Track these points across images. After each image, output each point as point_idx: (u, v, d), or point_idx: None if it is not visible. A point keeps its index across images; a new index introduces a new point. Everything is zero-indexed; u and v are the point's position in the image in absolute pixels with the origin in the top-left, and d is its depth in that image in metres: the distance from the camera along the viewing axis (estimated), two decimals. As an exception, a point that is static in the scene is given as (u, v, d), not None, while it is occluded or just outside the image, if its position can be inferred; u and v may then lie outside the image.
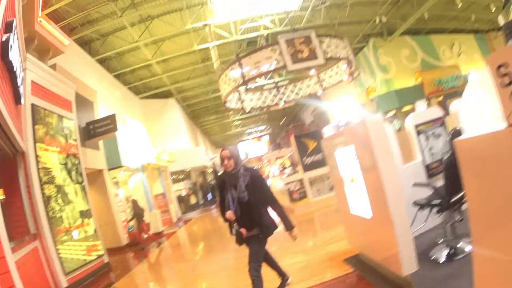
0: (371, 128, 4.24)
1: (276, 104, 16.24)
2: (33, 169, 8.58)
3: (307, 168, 13.37)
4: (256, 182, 4.69)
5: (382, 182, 4.12)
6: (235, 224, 4.67)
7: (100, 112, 15.28)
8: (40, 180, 8.70)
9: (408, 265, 4.17)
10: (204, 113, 37.24)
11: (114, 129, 13.33)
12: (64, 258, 8.75)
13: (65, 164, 10.13)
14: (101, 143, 14.93)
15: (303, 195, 13.00)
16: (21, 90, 7.54)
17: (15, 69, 6.82)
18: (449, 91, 22.64)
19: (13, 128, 7.11)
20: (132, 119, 18.39)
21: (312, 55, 11.30)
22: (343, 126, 5.54)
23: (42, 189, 8.67)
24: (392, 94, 22.26)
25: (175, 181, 29.21)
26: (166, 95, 27.57)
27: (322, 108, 37.86)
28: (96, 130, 13.55)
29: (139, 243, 14.41)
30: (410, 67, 22.99)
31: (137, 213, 14.11)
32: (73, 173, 10.45)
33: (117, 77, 21.70)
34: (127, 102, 22.32)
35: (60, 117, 10.39)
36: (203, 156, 30.65)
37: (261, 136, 52.40)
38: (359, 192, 4.99)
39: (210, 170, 37.18)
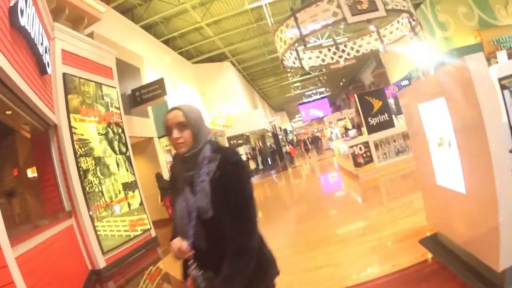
0: (475, 71, 2.92)
1: (336, 62, 15.20)
2: (67, 142, 7.92)
3: (372, 129, 12.00)
4: (226, 180, 1.97)
5: (488, 147, 2.85)
6: (192, 265, 2.03)
7: (147, 78, 14.57)
8: (75, 153, 8.01)
9: (507, 258, 3.04)
10: (262, 75, 36.28)
11: (163, 93, 12.48)
12: (104, 236, 8.10)
13: (106, 134, 9.40)
14: (150, 110, 14.30)
15: (369, 159, 11.68)
16: (45, 59, 6.93)
17: (33, 36, 6.13)
18: (508, 51, 20.58)
19: (39, 101, 6.51)
20: (184, 84, 17.50)
21: (372, 6, 9.96)
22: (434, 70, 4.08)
23: (77, 163, 7.98)
24: (454, 53, 20.74)
25: (233, 146, 28.36)
26: (220, 58, 26.66)
27: (381, 68, 36.34)
28: (143, 97, 12.79)
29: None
30: (468, 25, 21.78)
31: (161, 187, 13.16)
32: (116, 143, 9.72)
33: (166, 42, 20.96)
34: (178, 67, 21.53)
35: (99, 85, 9.63)
36: (262, 119, 29.47)
37: (320, 98, 50.61)
38: (450, 158, 3.70)
39: (269, 134, 36.21)
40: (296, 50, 13.83)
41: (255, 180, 23.57)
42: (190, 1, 16.71)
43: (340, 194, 11.40)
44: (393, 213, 6.76)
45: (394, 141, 12.07)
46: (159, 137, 14.48)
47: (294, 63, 14.05)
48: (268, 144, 35.37)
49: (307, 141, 46.42)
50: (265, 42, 25.72)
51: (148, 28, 18.85)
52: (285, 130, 53.74)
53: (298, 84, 44.66)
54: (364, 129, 12.42)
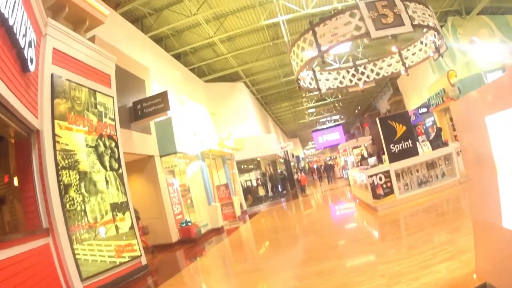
0: None
1: (355, 85, 14.51)
2: (48, 150, 7.05)
3: (394, 157, 10.95)
4: None
5: None
6: None
7: (153, 91, 13.75)
8: (57, 164, 7.11)
9: None
10: (276, 99, 35.60)
11: (166, 108, 11.56)
12: (84, 260, 7.12)
13: (96, 146, 8.45)
14: (152, 126, 13.43)
15: (389, 191, 10.53)
16: (28, 53, 6.14)
17: (11, 24, 5.36)
18: None
19: (16, 102, 5.79)
20: (192, 101, 16.61)
21: (398, 21, 9.24)
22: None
23: (58, 175, 7.09)
24: (477, 78, 20.86)
25: (243, 171, 27.33)
26: (233, 78, 25.91)
27: (398, 95, 35.52)
28: (145, 110, 11.92)
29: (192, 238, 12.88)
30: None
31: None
32: (106, 157, 8.75)
33: (178, 58, 20.22)
34: (188, 84, 20.64)
35: (93, 92, 8.78)
36: (274, 144, 28.43)
37: (335, 126, 49.73)
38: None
39: (281, 160, 35.13)
40: (313, 70, 13.21)
41: (263, 208, 22.46)
42: (202, 12, 15.95)
43: (356, 230, 10.25)
44: (423, 257, 5.52)
45: (417, 171, 11.04)
46: (161, 156, 13.54)
47: (310, 84, 13.32)
48: (279, 170, 34.30)
49: (320, 169, 45.78)
50: (280, 63, 25.00)
51: (158, 40, 18.18)
52: (297, 157, 52.88)
53: (313, 110, 43.81)
54: (385, 157, 11.34)
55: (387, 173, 10.56)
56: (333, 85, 14.31)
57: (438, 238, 6.36)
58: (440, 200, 10.05)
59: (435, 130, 16.42)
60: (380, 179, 10.43)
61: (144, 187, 13.19)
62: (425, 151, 11.78)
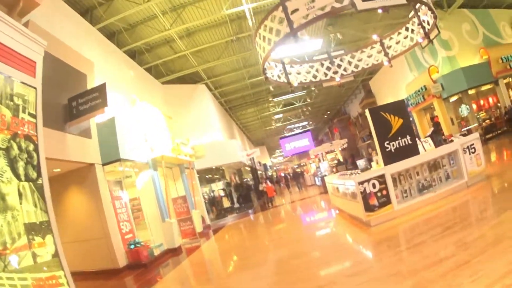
0: None
1: (331, 78, 13.25)
2: None
3: (389, 158, 9.04)
4: None
5: None
6: None
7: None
8: None
9: None
10: (241, 104, 34.11)
11: (103, 104, 9.69)
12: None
13: (7, 149, 6.53)
14: (94, 129, 11.54)
15: (385, 200, 8.68)
16: None
17: None
18: None
19: None
20: (143, 102, 14.66)
21: None
22: None
23: None
24: (459, 73, 20.72)
25: (207, 181, 25.46)
26: (194, 80, 24.21)
27: (371, 97, 34.72)
28: (80, 108, 10.06)
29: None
30: (473, 44, 21.75)
31: None
32: (21, 163, 6.81)
33: (132, 56, 18.52)
34: (143, 84, 18.80)
35: (9, 79, 6.85)
36: (239, 151, 26.72)
37: (303, 132, 48.64)
38: None
39: (247, 168, 33.48)
40: (283, 63, 11.78)
41: (229, 220, 20.72)
42: (156, 0, 14.19)
43: (348, 254, 7.61)
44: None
45: (417, 173, 9.27)
46: (104, 164, 11.68)
47: (279, 77, 11.96)
48: (246, 179, 32.63)
49: (288, 177, 44.60)
50: (245, 63, 23.46)
51: (110, 35, 16.45)
52: (265, 165, 51.41)
53: (280, 115, 42.33)
54: (377, 158, 9.55)
55: (381, 178, 8.69)
56: (306, 79, 12.92)
57: (458, 263, 4.72)
58: (447, 209, 8.33)
59: (432, 126, 15.17)
60: (374, 186, 8.59)
61: (84, 202, 11.34)
62: (426, 149, 9.93)
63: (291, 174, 47.62)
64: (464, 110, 20.83)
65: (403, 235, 7.60)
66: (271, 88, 27.69)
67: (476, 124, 20.69)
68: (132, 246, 11.40)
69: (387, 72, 29.63)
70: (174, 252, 13.10)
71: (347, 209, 10.85)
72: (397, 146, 9.14)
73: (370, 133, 32.43)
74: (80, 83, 11.30)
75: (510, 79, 22.24)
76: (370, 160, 11.94)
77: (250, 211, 22.99)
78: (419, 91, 22.76)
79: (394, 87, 28.65)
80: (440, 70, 21.76)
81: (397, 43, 12.58)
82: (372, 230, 8.47)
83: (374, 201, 8.54)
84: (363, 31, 21.30)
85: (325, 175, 22.48)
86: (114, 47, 16.40)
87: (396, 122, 9.16)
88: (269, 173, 55.92)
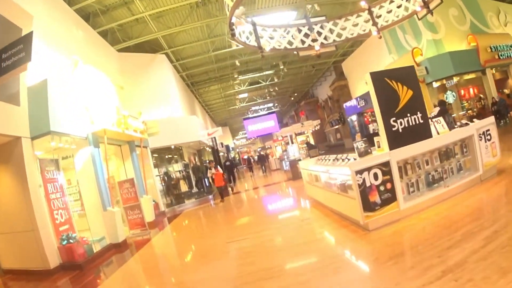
0: None
1: (309, 47, 11.54)
2: None
3: (396, 140, 7.20)
4: None
5: None
6: None
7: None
8: None
9: None
10: (204, 80, 31.97)
11: (26, 58, 7.45)
12: None
13: None
14: (24, 95, 9.50)
15: (389, 196, 6.84)
16: None
17: None
18: (505, 61, 21.19)
19: None
20: (86, 64, 12.38)
21: None
22: None
23: None
24: (446, 57, 19.75)
25: (161, 161, 23.24)
26: (154, 49, 21.87)
27: (342, 80, 33.45)
28: (3, 64, 7.78)
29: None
30: (460, 29, 21.19)
31: None
32: None
33: (86, 18, 16.19)
34: (95, 50, 16.50)
35: None
36: (199, 130, 24.55)
37: (269, 114, 46.97)
38: None
39: (208, 149, 31.47)
40: (253, 24, 10.31)
41: (187, 207, 18.84)
42: None
43: (339, 276, 5.32)
44: None
45: (427, 162, 7.54)
46: (32, 138, 9.58)
47: (248, 39, 10.41)
48: (206, 162, 30.64)
49: (251, 160, 43.28)
50: (210, 33, 21.23)
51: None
52: (227, 147, 49.50)
53: (245, 95, 40.34)
54: (381, 138, 7.48)
55: (386, 167, 6.86)
56: (280, 46, 11.30)
57: None
58: (465, 210, 6.59)
59: (437, 105, 13.55)
60: (376, 176, 6.74)
61: (8, 184, 9.36)
62: (439, 131, 8.06)
63: (255, 157, 46.41)
64: (450, 96, 19.70)
65: (415, 245, 5.58)
66: (237, 63, 25.96)
67: (462, 113, 19.82)
68: (65, 242, 9.38)
69: (362, 54, 28.63)
70: (118, 247, 11.14)
71: (331, 204, 9.02)
72: (406, 125, 7.29)
73: (340, 117, 30.94)
74: (13, 38, 9.09)
75: (494, 70, 21.74)
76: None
77: (210, 196, 21.06)
78: (399, 74, 21.48)
79: (368, 69, 26.78)
80: (424, 53, 20.69)
81: (389, 12, 11.16)
82: (372, 236, 6.63)
83: (375, 197, 6.73)
84: (343, 4, 19.59)
85: (294, 159, 20.82)
86: (63, 3, 14.01)
87: (404, 94, 7.28)
88: (232, 155, 54.37)
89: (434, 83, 20.19)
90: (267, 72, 32.59)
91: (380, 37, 11.67)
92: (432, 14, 10.62)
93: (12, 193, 9.21)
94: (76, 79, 11.74)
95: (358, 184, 6.63)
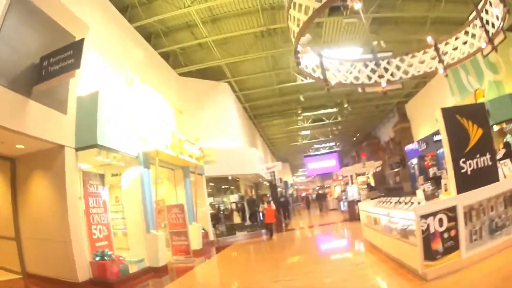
0: None
1: (375, 83, 10.85)
2: None
3: (465, 183, 6.44)
4: None
5: None
6: None
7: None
8: None
9: None
10: (267, 114, 31.63)
11: (75, 65, 7.30)
12: None
13: None
14: (73, 103, 9.41)
15: (452, 244, 6.06)
16: None
17: None
18: None
19: None
20: (143, 84, 12.21)
21: None
22: None
23: None
24: (507, 100, 18.00)
25: (217, 191, 22.88)
26: (216, 77, 21.69)
27: (405, 122, 32.34)
28: (50, 69, 7.73)
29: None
30: None
31: None
32: None
33: (148, 38, 16.35)
34: (155, 71, 16.53)
35: None
36: (258, 163, 24.15)
37: (330, 153, 46.18)
38: None
39: (266, 183, 30.90)
40: (320, 55, 9.74)
41: (238, 239, 18.22)
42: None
43: None
44: None
45: (492, 208, 6.61)
46: (77, 149, 9.39)
47: (314, 71, 9.86)
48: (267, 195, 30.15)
49: (309, 198, 42.73)
50: (275, 64, 20.95)
51: (123, 10, 14.33)
52: (286, 182, 48.83)
53: (308, 132, 39.73)
54: (446, 181, 6.63)
55: (452, 212, 6.12)
56: (346, 80, 10.59)
57: None
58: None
59: (503, 147, 12.57)
60: (441, 222, 6.00)
61: (47, 192, 9.14)
62: (506, 174, 7.25)
63: (314, 195, 45.70)
64: (510, 140, 18.03)
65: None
66: (301, 98, 25.42)
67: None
68: (98, 258, 9.00)
69: (425, 96, 27.54)
70: (157, 271, 10.61)
71: (389, 249, 8.21)
72: (475, 166, 6.56)
73: (401, 160, 29.72)
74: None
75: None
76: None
77: (263, 231, 20.29)
78: (462, 117, 20.22)
79: (432, 112, 25.86)
80: (486, 95, 19.49)
81: (454, 49, 10.37)
82: (429, 287, 5.80)
83: (438, 245, 5.98)
84: (408, 41, 18.85)
85: (353, 200, 19.86)
86: (122, 19, 14.16)
87: (475, 133, 6.63)
88: (290, 192, 53.52)
89: (495, 126, 18.70)
90: (330, 110, 31.96)
91: (446, 75, 10.89)
92: (496, 51, 9.81)
93: (50, 200, 9.01)
94: (131, 97, 11.60)
95: (422, 230, 5.94)
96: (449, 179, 6.65)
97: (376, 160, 35.04)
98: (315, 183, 70.10)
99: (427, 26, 17.58)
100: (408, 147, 28.78)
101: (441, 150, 25.26)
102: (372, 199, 12.53)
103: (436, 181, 6.90)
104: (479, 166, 6.52)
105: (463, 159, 6.48)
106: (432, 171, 19.03)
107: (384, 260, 8.30)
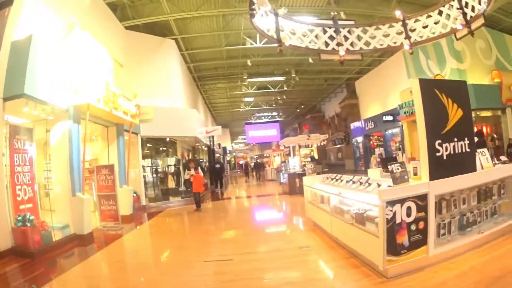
0: None
1: (332, 51, 10.03)
2: None
3: (439, 168, 5.85)
4: None
5: None
6: None
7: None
8: None
9: None
10: (212, 76, 30.72)
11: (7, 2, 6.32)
12: None
13: None
14: (6, 49, 8.44)
15: (419, 239, 5.49)
16: None
17: None
18: None
19: None
20: (84, 31, 11.06)
21: None
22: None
23: None
24: (469, 90, 17.02)
25: (152, 152, 21.68)
26: (163, 33, 20.58)
27: (354, 98, 32.54)
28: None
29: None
30: (485, 63, 20.44)
31: None
32: None
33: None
34: (101, 21, 15.04)
35: None
36: (198, 126, 23.17)
37: (272, 122, 45.92)
38: None
39: (204, 147, 30.22)
40: (276, 13, 9.03)
41: (172, 205, 17.56)
42: None
43: None
44: None
45: (464, 201, 6.24)
46: (5, 99, 8.41)
47: (268, 31, 9.13)
48: (201, 160, 29.40)
49: (248, 166, 42.91)
50: (226, 25, 20.02)
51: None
52: (224, 148, 48.36)
53: (251, 99, 39.25)
54: (420, 164, 6.04)
55: (423, 201, 5.52)
56: (301, 43, 9.74)
57: None
58: (496, 262, 5.43)
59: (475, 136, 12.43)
60: (409, 212, 5.41)
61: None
62: (484, 165, 6.63)
63: (253, 164, 45.79)
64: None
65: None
66: (249, 63, 24.71)
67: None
68: (20, 224, 8.10)
69: (378, 75, 27.71)
70: (82, 239, 9.77)
71: (339, 235, 7.53)
72: (451, 151, 5.98)
73: (345, 136, 29.99)
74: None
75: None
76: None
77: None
78: (416, 100, 20.32)
79: (382, 91, 26.75)
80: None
81: (424, 27, 9.90)
82: (391, 286, 5.17)
83: (404, 238, 5.36)
84: (370, 16, 18.44)
85: (294, 173, 19.54)
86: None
87: (454, 113, 6.04)
88: (228, 158, 53.42)
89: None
90: (277, 78, 31.46)
91: (412, 53, 10.44)
92: (473, 35, 9.54)
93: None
94: (69, 45, 10.45)
95: (387, 219, 5.28)
96: (421, 161, 6.03)
97: (320, 134, 35.22)
98: (254, 151, 70.24)
99: (393, 3, 17.20)
100: (354, 124, 28.81)
101: (389, 132, 25.74)
102: (318, 173, 12.00)
103: (390, 162, 6.29)
104: (456, 151, 6.02)
105: (439, 141, 5.93)
106: (378, 151, 19.00)
107: (333, 247, 7.65)
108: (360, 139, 29.70)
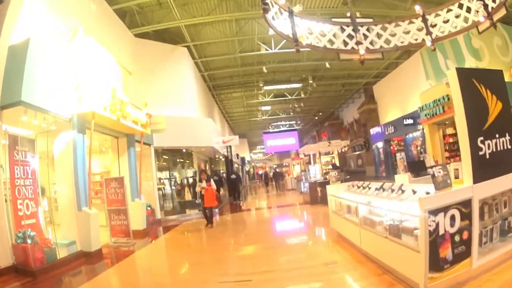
0: None
1: (352, 50, 9.40)
2: None
3: (482, 169, 5.09)
4: None
5: None
6: None
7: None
8: None
9: None
10: (227, 85, 30.42)
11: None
12: None
13: None
14: (3, 53, 8.07)
15: (463, 250, 4.71)
16: None
17: None
18: None
19: None
20: (88, 36, 10.53)
21: None
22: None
23: None
24: None
25: (168, 164, 21.14)
26: (174, 40, 20.19)
27: (372, 103, 31.81)
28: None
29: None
30: (502, 60, 19.45)
31: None
32: None
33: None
34: (108, 29, 14.65)
35: None
36: (214, 136, 22.73)
37: (290, 130, 45.57)
38: None
39: (221, 158, 29.71)
40: (291, 12, 8.40)
41: (188, 218, 17.01)
42: None
43: None
44: None
45: (505, 204, 5.47)
46: (3, 107, 8.01)
47: (284, 22, 8.51)
48: (220, 171, 28.94)
49: (268, 176, 42.62)
50: (239, 30, 19.54)
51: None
52: (243, 159, 47.86)
53: (268, 107, 38.86)
54: (462, 165, 5.25)
55: (466, 207, 4.78)
56: (318, 43, 9.07)
57: None
58: None
59: None
60: (452, 221, 4.66)
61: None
62: None
63: (272, 174, 45.28)
64: None
65: None
66: (264, 70, 24.22)
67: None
68: (20, 241, 7.55)
69: (396, 78, 26.90)
70: (89, 257, 9.21)
71: (370, 249, 6.74)
72: (494, 149, 5.20)
73: (365, 142, 29.30)
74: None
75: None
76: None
77: (216, 210, 19.03)
78: (439, 100, 19.32)
79: (401, 94, 26.01)
80: None
81: (445, 22, 9.28)
82: None
83: (447, 252, 4.61)
84: (386, 17, 17.84)
85: (316, 181, 18.86)
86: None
87: (494, 105, 5.29)
88: (246, 169, 52.98)
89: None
90: (294, 85, 31.04)
91: (434, 49, 9.80)
92: (495, 27, 8.90)
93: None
94: (71, 49, 9.96)
95: (430, 231, 4.51)
96: (462, 162, 5.28)
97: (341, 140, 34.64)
98: (273, 161, 69.89)
99: (409, 2, 16.52)
100: (374, 129, 28.06)
101: (410, 135, 24.96)
102: (342, 181, 11.23)
103: (418, 166, 5.53)
104: (499, 149, 5.28)
105: (481, 138, 5.17)
106: (399, 156, 18.19)
107: (362, 261, 6.83)
108: (380, 144, 28.98)
